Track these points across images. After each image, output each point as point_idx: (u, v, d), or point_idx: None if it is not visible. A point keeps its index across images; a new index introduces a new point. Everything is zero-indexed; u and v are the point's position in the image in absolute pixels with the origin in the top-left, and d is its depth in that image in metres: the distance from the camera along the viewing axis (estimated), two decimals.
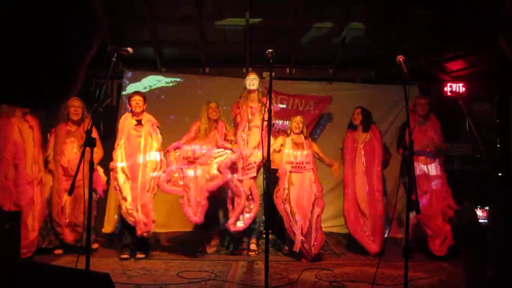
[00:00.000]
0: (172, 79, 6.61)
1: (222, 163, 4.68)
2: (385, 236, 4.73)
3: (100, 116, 5.09)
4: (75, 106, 4.76)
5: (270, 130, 3.04)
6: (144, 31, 6.25)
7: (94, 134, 4.75)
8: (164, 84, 6.59)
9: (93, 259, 3.44)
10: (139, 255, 4.53)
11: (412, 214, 3.58)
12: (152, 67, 6.74)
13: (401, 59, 3.12)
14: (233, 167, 4.76)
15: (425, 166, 4.81)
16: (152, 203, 4.56)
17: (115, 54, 3.11)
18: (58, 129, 4.79)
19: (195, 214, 4.51)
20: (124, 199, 4.51)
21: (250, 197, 4.75)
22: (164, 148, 4.84)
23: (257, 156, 4.76)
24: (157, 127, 4.82)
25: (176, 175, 4.68)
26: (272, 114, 3.02)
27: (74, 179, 2.81)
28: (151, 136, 4.71)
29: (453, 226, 4.25)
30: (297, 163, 4.80)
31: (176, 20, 6.20)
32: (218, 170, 4.66)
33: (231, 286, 3.57)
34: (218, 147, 4.81)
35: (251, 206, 4.75)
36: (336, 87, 6.75)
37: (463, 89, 6.02)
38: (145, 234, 4.46)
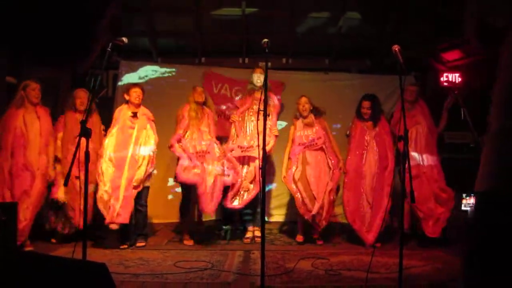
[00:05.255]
0: (168, 70, 6.57)
1: (229, 166, 4.84)
2: (382, 229, 4.70)
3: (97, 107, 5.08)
4: (81, 98, 4.75)
5: (266, 120, 3.03)
6: (140, 21, 6.21)
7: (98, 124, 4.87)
8: (160, 75, 6.55)
9: (89, 250, 3.45)
10: (140, 243, 4.63)
11: (406, 202, 3.59)
12: (148, 58, 6.71)
13: (396, 49, 3.10)
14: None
15: (422, 155, 4.81)
16: (133, 199, 4.51)
17: (110, 44, 3.09)
18: (67, 117, 4.79)
19: (210, 204, 4.63)
20: (104, 183, 4.47)
21: (254, 179, 4.81)
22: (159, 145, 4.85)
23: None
24: (153, 121, 4.82)
25: (186, 163, 4.67)
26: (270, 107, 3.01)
27: (70, 170, 2.81)
28: (145, 130, 4.71)
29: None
30: (309, 141, 4.86)
31: (172, 10, 6.16)
32: (224, 173, 4.81)
33: (228, 275, 3.59)
34: (226, 160, 4.87)
35: (252, 188, 4.82)
36: (332, 77, 6.74)
37: (459, 79, 6.02)
38: (112, 225, 4.39)
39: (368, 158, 4.87)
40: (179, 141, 4.78)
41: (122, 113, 4.75)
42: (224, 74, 6.49)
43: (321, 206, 4.67)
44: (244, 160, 4.92)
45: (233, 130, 5.04)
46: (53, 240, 4.70)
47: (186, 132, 4.84)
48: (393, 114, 5.28)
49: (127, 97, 4.77)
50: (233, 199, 4.83)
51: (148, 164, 4.62)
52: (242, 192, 4.86)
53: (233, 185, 4.83)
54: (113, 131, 4.66)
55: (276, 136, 4.95)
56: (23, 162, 4.33)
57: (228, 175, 4.83)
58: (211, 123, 4.99)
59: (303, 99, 4.97)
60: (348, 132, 5.14)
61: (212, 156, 4.79)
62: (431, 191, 4.69)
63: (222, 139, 5.45)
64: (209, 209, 4.67)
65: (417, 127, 4.86)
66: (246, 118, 5.02)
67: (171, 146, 4.77)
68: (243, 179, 4.85)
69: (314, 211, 4.63)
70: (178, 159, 4.74)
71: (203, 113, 4.97)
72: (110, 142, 4.61)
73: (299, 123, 4.97)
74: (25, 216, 4.26)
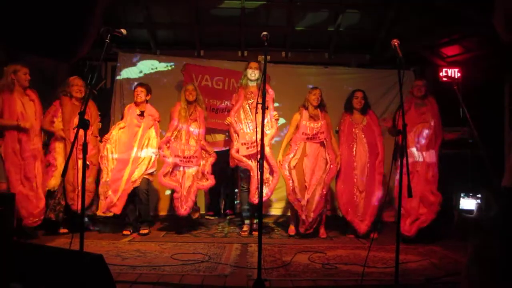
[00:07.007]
0: (167, 64, 6.55)
1: (206, 168, 5.09)
2: (376, 218, 4.76)
3: (94, 98, 5.15)
4: (78, 85, 4.84)
5: (264, 113, 3.02)
6: (138, 12, 6.18)
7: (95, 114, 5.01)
8: (159, 69, 6.54)
9: (87, 241, 3.45)
10: (143, 231, 4.82)
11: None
12: (146, 50, 6.68)
13: (396, 43, 3.10)
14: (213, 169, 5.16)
15: (421, 153, 4.79)
16: (128, 193, 4.73)
17: (109, 35, 3.06)
18: (63, 102, 4.83)
19: (183, 207, 4.88)
20: (107, 172, 4.74)
21: (269, 170, 4.85)
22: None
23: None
24: (158, 121, 5.00)
25: (168, 169, 4.95)
26: (266, 98, 3.02)
27: (67, 162, 2.79)
28: (150, 130, 4.91)
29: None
30: (312, 134, 4.91)
31: (170, 2, 6.13)
32: (203, 173, 5.09)
33: (225, 268, 3.59)
34: (201, 148, 5.11)
35: (270, 179, 4.85)
36: (332, 71, 6.74)
37: (459, 74, 6.01)
38: (107, 213, 4.66)
39: (358, 150, 4.95)
40: (167, 143, 5.00)
41: (131, 111, 4.96)
42: (203, 65, 6.47)
43: (310, 199, 4.72)
44: (254, 155, 4.80)
45: (231, 131, 4.98)
46: (63, 230, 4.77)
47: (175, 132, 5.04)
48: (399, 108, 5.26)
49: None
50: (255, 195, 4.74)
51: (148, 164, 4.84)
52: (264, 185, 4.81)
53: (252, 181, 4.80)
54: (122, 124, 4.91)
55: (277, 119, 4.95)
56: (29, 147, 4.43)
57: (207, 179, 5.09)
58: (201, 122, 5.14)
59: (318, 91, 5.02)
60: (337, 128, 5.19)
61: (196, 160, 5.02)
62: (419, 190, 4.65)
63: (210, 130, 5.82)
64: (181, 212, 4.88)
65: (424, 124, 4.82)
66: (241, 114, 4.96)
67: (160, 148, 4.98)
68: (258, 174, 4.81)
69: (303, 202, 4.71)
70: (163, 161, 4.99)
71: (194, 112, 5.11)
72: (116, 134, 4.84)
73: (306, 113, 5.00)
74: (41, 195, 4.46)
